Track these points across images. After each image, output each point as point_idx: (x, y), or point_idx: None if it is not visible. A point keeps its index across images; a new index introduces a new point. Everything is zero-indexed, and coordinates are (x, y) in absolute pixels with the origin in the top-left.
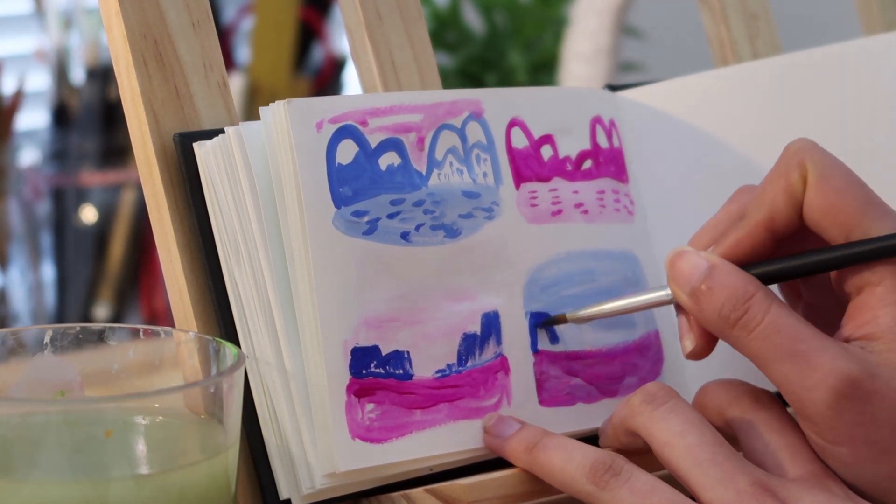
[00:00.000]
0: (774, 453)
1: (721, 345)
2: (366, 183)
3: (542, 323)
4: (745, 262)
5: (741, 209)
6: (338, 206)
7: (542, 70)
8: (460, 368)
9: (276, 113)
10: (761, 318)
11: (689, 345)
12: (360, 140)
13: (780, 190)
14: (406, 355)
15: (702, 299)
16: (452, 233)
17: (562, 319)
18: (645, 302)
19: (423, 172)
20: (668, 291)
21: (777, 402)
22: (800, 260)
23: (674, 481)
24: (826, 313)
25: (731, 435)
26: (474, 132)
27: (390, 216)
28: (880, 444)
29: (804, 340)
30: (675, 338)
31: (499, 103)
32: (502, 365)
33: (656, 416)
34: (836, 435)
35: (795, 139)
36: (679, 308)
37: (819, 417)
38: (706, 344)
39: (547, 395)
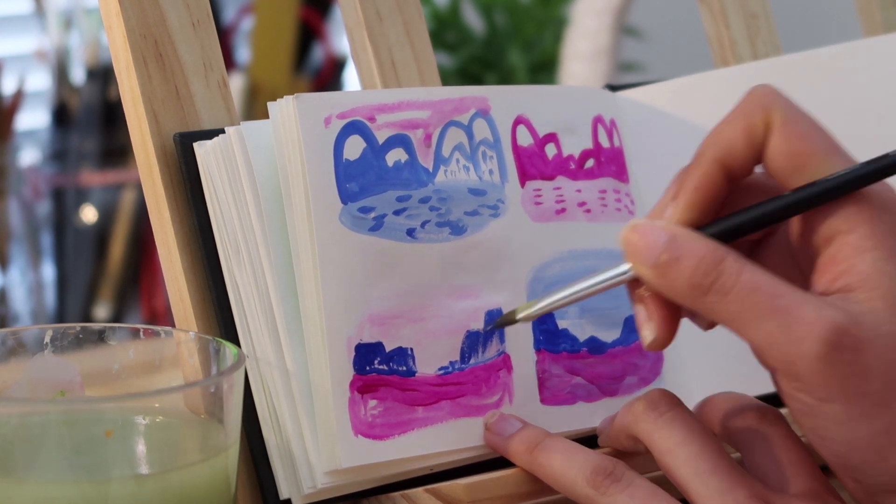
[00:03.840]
0: (776, 469)
1: (721, 341)
2: (372, 179)
3: (492, 325)
4: (706, 208)
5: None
6: (344, 201)
7: (542, 70)
8: (463, 366)
9: (284, 108)
10: (735, 278)
11: (650, 335)
12: (367, 136)
13: (740, 130)
14: (410, 352)
15: (668, 270)
16: (458, 230)
17: (511, 319)
18: (599, 284)
19: (430, 169)
20: (625, 268)
21: (781, 418)
22: (762, 208)
23: (672, 487)
24: (788, 277)
25: (733, 448)
26: (481, 129)
27: (396, 212)
28: (873, 396)
29: (783, 295)
30: (676, 337)
31: (505, 101)
32: (505, 363)
33: (659, 423)
34: (827, 390)
35: (760, 84)
36: (635, 296)
37: (809, 372)
38: (668, 330)
39: (548, 393)
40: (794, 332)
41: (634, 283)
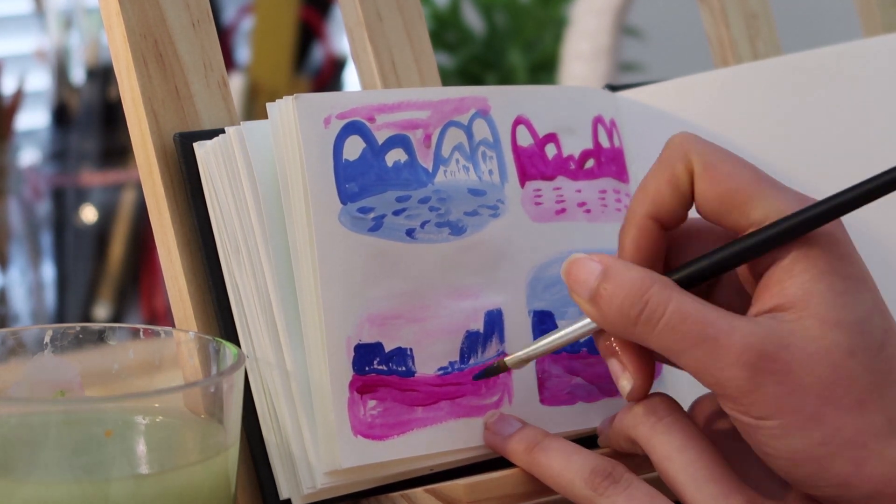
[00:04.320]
0: (770, 478)
1: None
2: (372, 179)
3: (480, 375)
4: (649, 261)
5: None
6: (344, 202)
7: (542, 70)
8: (462, 366)
9: (283, 108)
10: (663, 308)
11: (627, 384)
12: (367, 136)
13: (665, 182)
14: (409, 352)
15: (601, 302)
16: (457, 230)
17: (502, 367)
18: (571, 334)
19: (430, 169)
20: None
21: None
22: (714, 257)
23: (670, 490)
24: (738, 300)
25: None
26: (481, 129)
27: (396, 213)
28: (805, 411)
29: (711, 324)
30: None
31: (504, 101)
32: None
33: (658, 429)
34: (760, 409)
35: (677, 133)
36: (604, 349)
37: (740, 395)
38: (644, 377)
39: (548, 393)
40: (721, 359)
41: (600, 336)
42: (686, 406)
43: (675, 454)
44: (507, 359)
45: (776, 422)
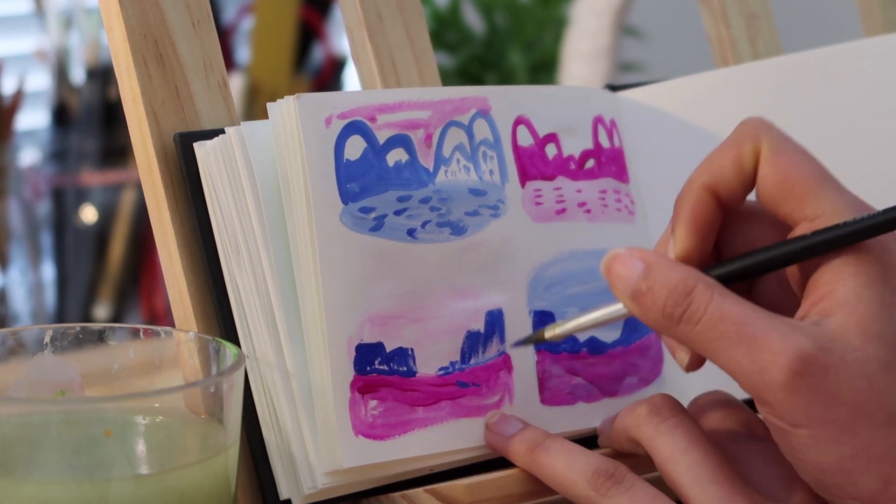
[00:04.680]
0: (773, 480)
1: None
2: (373, 179)
3: (519, 343)
4: (703, 233)
5: None
6: (345, 202)
7: (542, 70)
8: (463, 366)
9: (285, 108)
10: (704, 308)
11: (685, 356)
12: (368, 136)
13: (730, 158)
14: (410, 352)
15: (643, 300)
16: (458, 230)
17: (541, 338)
18: (615, 313)
19: (431, 169)
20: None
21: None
22: (762, 255)
23: (671, 490)
24: (780, 307)
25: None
26: (481, 129)
27: (397, 213)
28: (839, 422)
29: (751, 324)
30: None
31: (505, 101)
32: (505, 363)
33: (661, 429)
34: (794, 416)
35: (750, 117)
36: None
37: (775, 399)
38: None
39: (548, 393)
40: (759, 360)
41: None
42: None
43: (678, 455)
44: (547, 329)
45: (809, 431)
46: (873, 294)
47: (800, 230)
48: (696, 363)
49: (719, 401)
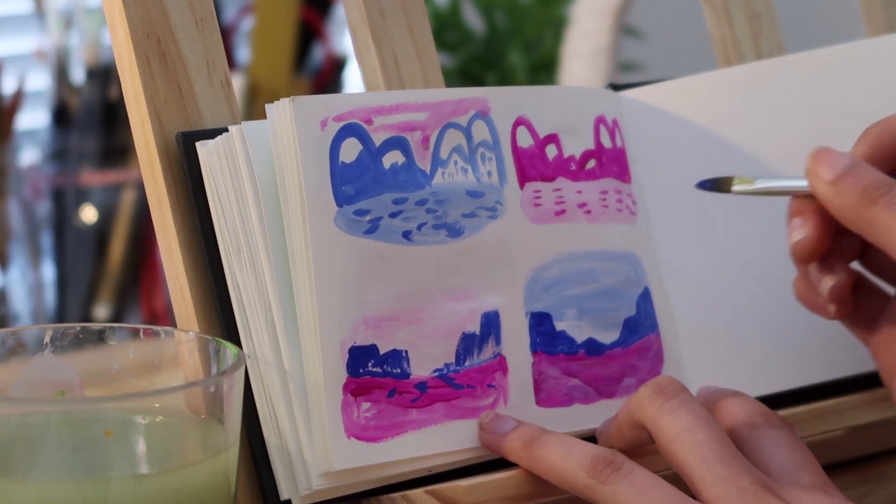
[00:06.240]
0: (780, 464)
1: (721, 343)
2: (368, 182)
3: (707, 184)
4: (885, 155)
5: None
6: (340, 204)
7: (542, 70)
8: (458, 368)
9: (280, 110)
10: None
11: (799, 234)
12: (364, 138)
13: None
14: (404, 354)
15: (845, 180)
16: (455, 232)
17: (727, 187)
18: (793, 188)
19: (427, 171)
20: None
21: (786, 423)
22: None
23: (670, 479)
24: None
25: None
26: (480, 131)
27: (392, 215)
28: None
29: None
30: (675, 339)
31: (505, 102)
32: (500, 365)
33: (666, 409)
34: None
35: None
36: (794, 207)
37: None
38: (817, 237)
39: (544, 395)
40: None
41: (797, 200)
42: None
43: (683, 435)
44: (735, 180)
45: None
46: None
47: None
48: (807, 242)
49: (727, 392)
